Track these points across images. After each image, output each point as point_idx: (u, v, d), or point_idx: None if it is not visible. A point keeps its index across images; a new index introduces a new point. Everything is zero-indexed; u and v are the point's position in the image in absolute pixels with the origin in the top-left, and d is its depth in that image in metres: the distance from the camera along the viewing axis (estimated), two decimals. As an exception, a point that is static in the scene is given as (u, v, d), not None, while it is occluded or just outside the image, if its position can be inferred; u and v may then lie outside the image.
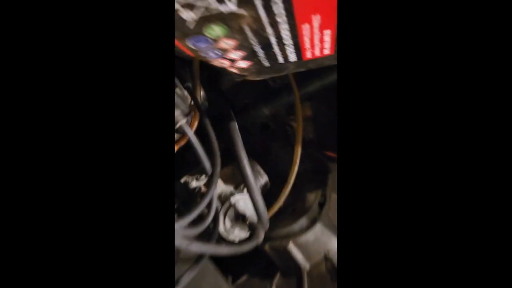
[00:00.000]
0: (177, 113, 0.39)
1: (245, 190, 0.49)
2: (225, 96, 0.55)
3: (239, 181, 0.51)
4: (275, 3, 0.21)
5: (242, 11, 0.22)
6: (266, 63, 0.29)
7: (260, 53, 0.27)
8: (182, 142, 0.41)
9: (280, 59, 0.29)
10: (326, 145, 0.62)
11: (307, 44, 0.26)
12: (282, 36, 0.25)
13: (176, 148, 0.41)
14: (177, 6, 0.22)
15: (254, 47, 0.26)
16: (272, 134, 0.63)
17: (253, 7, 0.22)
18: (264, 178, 0.53)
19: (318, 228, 0.51)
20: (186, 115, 0.40)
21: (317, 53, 0.28)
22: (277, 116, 0.60)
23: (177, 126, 0.40)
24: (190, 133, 0.40)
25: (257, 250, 0.49)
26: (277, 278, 0.53)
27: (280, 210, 0.52)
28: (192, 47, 0.26)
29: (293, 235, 0.51)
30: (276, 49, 0.27)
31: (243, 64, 0.29)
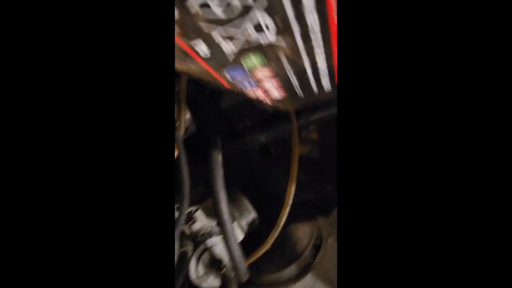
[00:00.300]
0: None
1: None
2: (225, 116, 0.51)
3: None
4: (314, 32, 0.21)
5: (281, 41, 0.22)
6: (301, 93, 0.29)
7: (295, 82, 0.27)
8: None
9: (315, 89, 0.28)
10: (333, 172, 0.58)
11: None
12: (318, 65, 0.25)
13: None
14: (218, 39, 0.21)
15: (289, 76, 0.26)
16: (273, 158, 0.59)
17: (291, 36, 0.21)
18: (251, 215, 0.48)
19: (309, 279, 0.46)
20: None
21: None
22: (278, 140, 0.56)
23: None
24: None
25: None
26: None
27: (268, 251, 0.47)
28: (229, 78, 0.25)
29: (279, 285, 0.46)
30: (310, 78, 0.26)
31: (278, 94, 0.28)
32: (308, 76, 0.26)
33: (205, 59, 0.23)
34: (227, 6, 0.19)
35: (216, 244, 0.44)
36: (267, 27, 0.20)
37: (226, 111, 0.51)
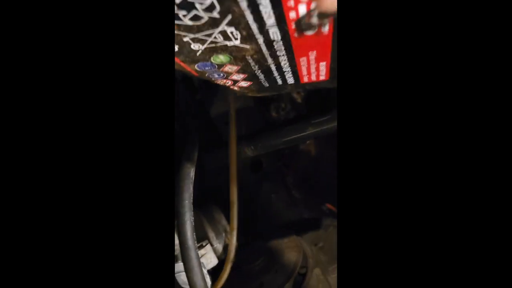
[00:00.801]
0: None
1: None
2: (214, 124, 0.45)
3: (200, 236, 0.39)
4: (276, 42, 0.23)
5: (246, 46, 0.24)
6: (266, 84, 0.31)
7: (261, 76, 0.29)
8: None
9: (280, 82, 0.31)
10: (328, 192, 0.54)
11: (304, 72, 0.28)
12: (281, 66, 0.27)
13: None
14: (187, 39, 0.23)
15: (256, 72, 0.28)
16: (264, 174, 0.53)
17: (256, 43, 0.23)
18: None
19: None
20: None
21: (314, 78, 0.30)
22: (270, 155, 0.50)
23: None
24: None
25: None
26: None
27: (246, 279, 0.41)
28: (198, 69, 0.27)
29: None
30: (276, 74, 0.29)
31: (245, 84, 0.31)
32: (273, 72, 0.28)
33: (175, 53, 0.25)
34: (195, 17, 0.20)
35: (181, 271, 0.36)
36: (233, 35, 0.22)
37: (215, 119, 0.45)
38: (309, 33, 0.22)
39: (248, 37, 0.22)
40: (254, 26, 0.21)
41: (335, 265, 0.46)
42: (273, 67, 0.27)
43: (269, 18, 0.21)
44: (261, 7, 0.19)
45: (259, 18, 0.20)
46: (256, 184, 0.53)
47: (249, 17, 0.20)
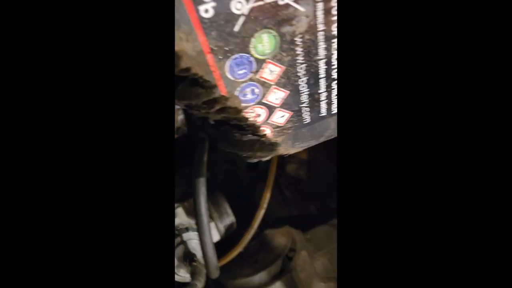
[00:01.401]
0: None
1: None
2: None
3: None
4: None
5: (300, 8, 0.19)
6: (307, 116, 0.26)
7: (304, 94, 0.24)
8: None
9: (323, 112, 0.26)
10: (319, 192, 0.60)
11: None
12: (331, 63, 0.22)
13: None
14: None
15: (300, 82, 0.23)
16: (259, 173, 0.57)
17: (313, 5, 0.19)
18: (230, 219, 0.49)
19: (278, 287, 0.48)
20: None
21: None
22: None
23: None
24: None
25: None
26: None
27: (242, 257, 0.48)
28: (230, 77, 0.21)
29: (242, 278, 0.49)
30: (322, 88, 0.24)
31: (281, 117, 0.25)
32: (320, 78, 0.23)
33: (206, 28, 0.19)
34: None
35: (192, 238, 0.44)
36: None
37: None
38: None
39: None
40: None
41: (320, 253, 0.53)
42: (322, 68, 0.22)
43: None
44: None
45: None
46: (252, 182, 0.59)
47: None
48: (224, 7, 0.18)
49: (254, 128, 0.25)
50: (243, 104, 0.23)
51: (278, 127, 0.26)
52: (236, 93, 0.22)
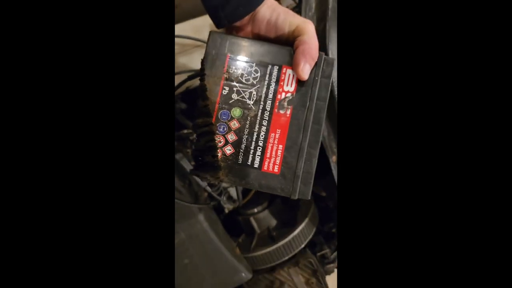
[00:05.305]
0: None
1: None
2: None
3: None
4: (267, 111, 0.40)
5: (253, 107, 0.41)
6: (240, 160, 0.42)
7: (242, 146, 0.41)
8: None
9: (249, 161, 0.41)
10: None
11: (268, 152, 0.41)
12: (260, 137, 0.41)
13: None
14: (234, 88, 0.43)
15: (243, 137, 0.41)
16: None
17: (258, 107, 0.41)
18: None
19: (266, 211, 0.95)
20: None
21: (270, 167, 0.41)
22: None
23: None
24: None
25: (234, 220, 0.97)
26: (242, 236, 0.97)
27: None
28: (219, 116, 0.43)
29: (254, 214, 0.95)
30: (252, 146, 0.41)
31: (228, 150, 0.43)
32: (252, 141, 0.43)
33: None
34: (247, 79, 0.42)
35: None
36: (252, 96, 0.42)
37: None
38: (282, 112, 0.39)
39: (256, 101, 0.41)
40: (262, 93, 0.40)
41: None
42: (254, 136, 0.41)
43: (269, 92, 0.40)
44: (271, 81, 0.39)
45: (266, 90, 0.40)
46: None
47: (264, 87, 0.40)
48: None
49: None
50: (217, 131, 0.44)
51: (225, 156, 0.42)
52: (218, 124, 0.44)
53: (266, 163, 0.41)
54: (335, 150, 0.81)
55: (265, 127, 0.41)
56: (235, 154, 0.42)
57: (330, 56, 0.79)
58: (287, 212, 0.97)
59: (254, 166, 0.41)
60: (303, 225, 0.90)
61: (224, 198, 0.89)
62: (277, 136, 0.41)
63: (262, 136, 0.41)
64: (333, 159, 0.80)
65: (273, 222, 0.96)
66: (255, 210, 0.95)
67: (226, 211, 0.92)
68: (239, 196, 0.91)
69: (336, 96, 0.79)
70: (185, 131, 0.86)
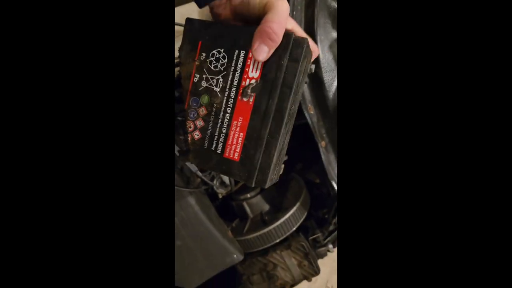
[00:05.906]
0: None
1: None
2: None
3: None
4: (231, 99, 0.41)
5: (219, 95, 0.42)
6: (205, 145, 0.44)
7: (208, 132, 0.43)
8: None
9: (213, 146, 0.42)
10: None
11: (230, 139, 0.42)
12: (223, 124, 0.42)
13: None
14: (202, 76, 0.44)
15: (209, 123, 0.43)
16: None
17: (223, 95, 0.42)
18: None
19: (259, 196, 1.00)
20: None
21: (231, 154, 0.42)
22: None
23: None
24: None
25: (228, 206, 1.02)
26: (236, 221, 1.01)
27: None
28: (190, 103, 0.45)
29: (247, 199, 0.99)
30: (216, 133, 0.42)
31: (196, 135, 0.45)
32: (216, 129, 0.44)
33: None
34: (216, 66, 0.43)
35: None
36: (219, 83, 0.43)
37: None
38: (245, 99, 0.40)
39: (222, 89, 0.42)
40: (228, 80, 0.41)
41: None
42: (219, 123, 0.42)
43: (235, 79, 0.40)
44: (237, 68, 0.40)
45: (232, 77, 0.40)
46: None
47: (230, 74, 0.41)
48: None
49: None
50: (188, 117, 0.45)
51: (193, 140, 0.44)
52: (189, 110, 0.45)
53: (228, 150, 0.42)
54: (324, 135, 0.82)
55: (229, 115, 0.42)
56: (202, 139, 0.44)
57: (319, 42, 0.79)
58: (280, 197, 0.99)
59: (217, 151, 0.43)
60: (294, 209, 0.92)
61: (217, 183, 0.91)
62: (239, 124, 0.42)
63: (225, 123, 0.42)
64: (322, 144, 0.80)
65: (266, 207, 1.00)
66: (248, 195, 0.99)
67: (220, 196, 0.96)
68: (231, 181, 0.94)
69: (324, 81, 0.78)
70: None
